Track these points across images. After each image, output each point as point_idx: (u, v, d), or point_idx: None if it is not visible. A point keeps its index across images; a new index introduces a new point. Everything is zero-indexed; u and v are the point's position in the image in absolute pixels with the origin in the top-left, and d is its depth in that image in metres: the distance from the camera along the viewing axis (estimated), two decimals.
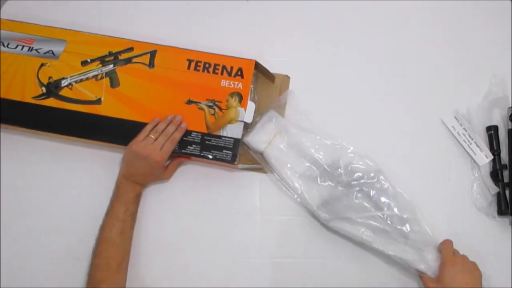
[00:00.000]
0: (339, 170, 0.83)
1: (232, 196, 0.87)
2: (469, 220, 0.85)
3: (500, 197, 0.85)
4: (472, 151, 0.87)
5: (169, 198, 0.86)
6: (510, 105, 0.88)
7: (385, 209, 0.81)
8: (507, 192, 0.85)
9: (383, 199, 0.81)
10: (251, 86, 0.87)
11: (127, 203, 0.80)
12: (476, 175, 0.87)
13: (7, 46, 0.88)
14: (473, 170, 0.88)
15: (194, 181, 0.87)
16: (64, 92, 0.86)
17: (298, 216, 0.85)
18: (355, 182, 0.83)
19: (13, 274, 0.83)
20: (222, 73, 0.87)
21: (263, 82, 0.92)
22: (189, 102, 0.85)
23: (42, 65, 0.87)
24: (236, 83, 0.86)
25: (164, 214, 0.85)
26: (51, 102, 0.85)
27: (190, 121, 0.84)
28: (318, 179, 0.84)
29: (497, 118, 0.89)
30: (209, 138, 0.84)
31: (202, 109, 0.85)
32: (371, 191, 0.82)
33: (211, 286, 0.82)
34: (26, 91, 0.86)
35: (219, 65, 0.87)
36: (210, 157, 0.83)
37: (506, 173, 0.85)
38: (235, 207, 0.86)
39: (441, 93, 0.92)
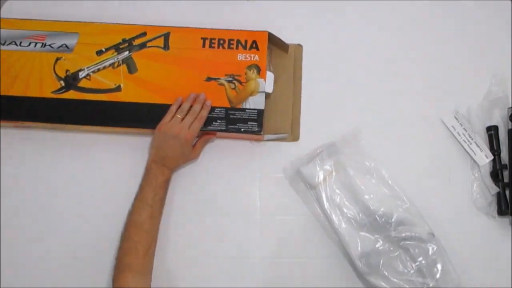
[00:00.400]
0: (390, 224, 0.80)
1: (232, 196, 0.87)
2: (469, 220, 0.86)
3: (500, 197, 0.85)
4: (472, 151, 0.88)
5: (168, 198, 0.85)
6: (510, 105, 0.89)
7: (428, 279, 0.77)
8: (507, 192, 0.86)
9: (428, 268, 0.78)
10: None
11: (156, 188, 0.80)
12: (476, 175, 0.88)
13: (20, 44, 0.88)
14: (473, 170, 0.89)
15: (194, 181, 0.88)
16: (83, 83, 0.86)
17: (298, 216, 0.86)
18: (403, 242, 0.79)
19: (13, 274, 0.83)
20: (237, 47, 0.88)
21: (277, 54, 0.92)
22: (209, 79, 0.86)
23: (57, 59, 0.87)
24: (252, 55, 0.87)
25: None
26: (71, 94, 0.85)
27: (211, 97, 0.85)
28: (365, 228, 0.81)
29: (497, 118, 0.90)
30: (233, 112, 0.84)
31: (222, 84, 0.86)
32: (418, 255, 0.78)
33: (211, 286, 0.83)
34: (44, 87, 0.86)
35: (233, 39, 0.88)
36: (236, 130, 0.84)
37: (506, 173, 0.86)
38: (235, 207, 0.86)
39: (441, 93, 0.92)
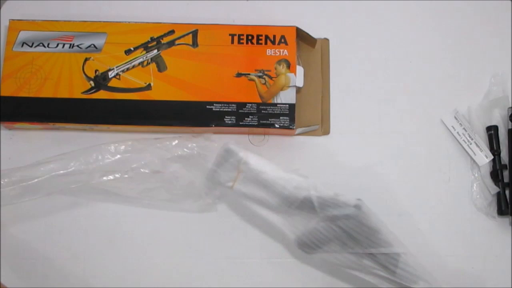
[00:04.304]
0: (314, 208, 0.74)
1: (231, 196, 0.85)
2: (469, 220, 0.86)
3: (500, 197, 0.85)
4: (472, 151, 0.87)
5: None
6: (510, 105, 0.89)
7: (369, 247, 0.74)
8: (507, 192, 0.86)
9: (364, 236, 0.73)
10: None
11: None
12: (476, 175, 0.88)
13: (48, 46, 0.87)
14: (473, 170, 0.88)
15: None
16: (113, 83, 0.86)
17: None
18: (332, 221, 0.74)
19: (13, 275, 0.83)
20: (266, 43, 0.88)
21: (304, 48, 0.93)
22: (239, 75, 0.86)
23: (86, 59, 0.87)
24: (282, 50, 0.87)
25: (162, 214, 0.85)
26: (102, 94, 0.85)
27: (242, 93, 0.85)
28: (294, 216, 0.76)
29: (497, 118, 0.89)
30: (264, 107, 0.85)
31: (252, 80, 0.86)
32: (351, 228, 0.74)
33: (210, 287, 0.83)
34: (74, 88, 0.85)
35: (261, 35, 0.88)
36: (269, 125, 0.84)
37: (506, 173, 0.86)
38: (234, 206, 0.86)
39: (441, 93, 0.92)
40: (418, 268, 0.74)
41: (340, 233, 0.74)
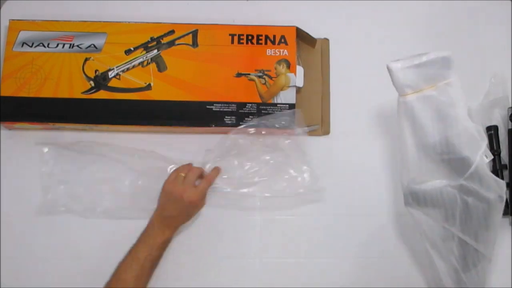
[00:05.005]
0: (465, 172, 0.64)
1: (232, 196, 0.86)
2: None
3: None
4: None
5: None
6: (510, 105, 0.89)
7: (470, 236, 0.67)
8: (507, 192, 0.85)
9: (477, 224, 0.66)
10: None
11: (152, 248, 0.76)
12: None
13: (48, 46, 0.87)
14: None
15: None
16: (113, 83, 0.86)
17: (298, 216, 0.86)
18: (466, 196, 0.65)
19: (13, 275, 0.83)
20: (266, 43, 0.88)
21: (304, 48, 0.93)
22: (239, 75, 0.86)
23: (86, 59, 0.87)
24: (282, 50, 0.87)
25: None
26: (102, 94, 0.85)
27: (242, 93, 0.85)
28: (436, 163, 0.65)
29: (497, 118, 0.90)
30: (264, 107, 0.85)
31: (252, 80, 0.86)
32: (475, 210, 0.65)
33: (210, 286, 0.83)
34: (74, 88, 0.85)
35: (261, 35, 0.88)
36: (269, 125, 0.84)
37: (506, 173, 0.86)
38: (235, 207, 0.86)
39: None
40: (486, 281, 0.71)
41: (460, 207, 0.65)
